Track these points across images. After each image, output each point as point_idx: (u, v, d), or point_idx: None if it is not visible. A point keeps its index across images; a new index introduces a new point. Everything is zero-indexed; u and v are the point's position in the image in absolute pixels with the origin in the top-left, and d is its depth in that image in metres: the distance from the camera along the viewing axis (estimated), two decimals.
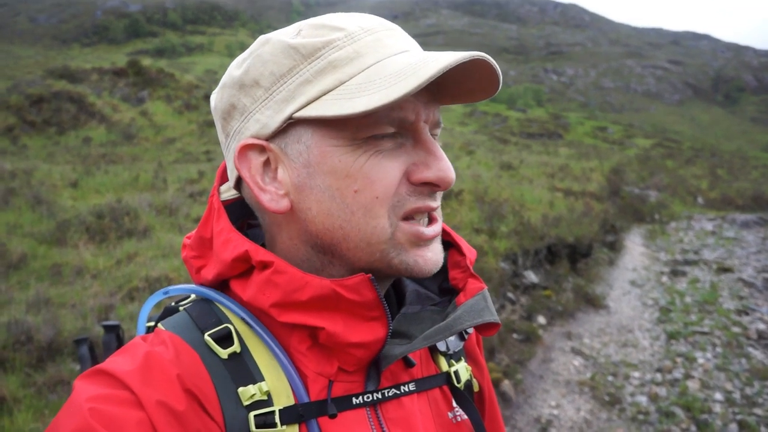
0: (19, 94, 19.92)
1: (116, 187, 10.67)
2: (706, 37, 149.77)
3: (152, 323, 0.85)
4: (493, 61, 0.71)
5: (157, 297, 0.88)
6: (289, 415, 0.72)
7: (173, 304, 0.85)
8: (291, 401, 0.73)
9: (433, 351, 0.91)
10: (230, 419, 0.70)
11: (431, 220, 0.78)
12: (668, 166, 25.33)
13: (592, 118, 50.81)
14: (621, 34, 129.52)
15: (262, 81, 0.73)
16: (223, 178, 0.87)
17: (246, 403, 0.71)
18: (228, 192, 0.86)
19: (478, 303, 0.81)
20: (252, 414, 0.71)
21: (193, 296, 0.85)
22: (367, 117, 0.70)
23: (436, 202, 0.77)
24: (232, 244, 0.77)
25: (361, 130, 0.71)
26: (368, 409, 0.78)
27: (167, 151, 17.11)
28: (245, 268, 0.77)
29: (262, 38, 0.77)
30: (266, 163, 0.75)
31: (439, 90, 0.77)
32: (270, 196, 0.75)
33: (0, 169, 10.85)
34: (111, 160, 15.07)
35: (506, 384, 5.29)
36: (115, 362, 0.71)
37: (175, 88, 23.99)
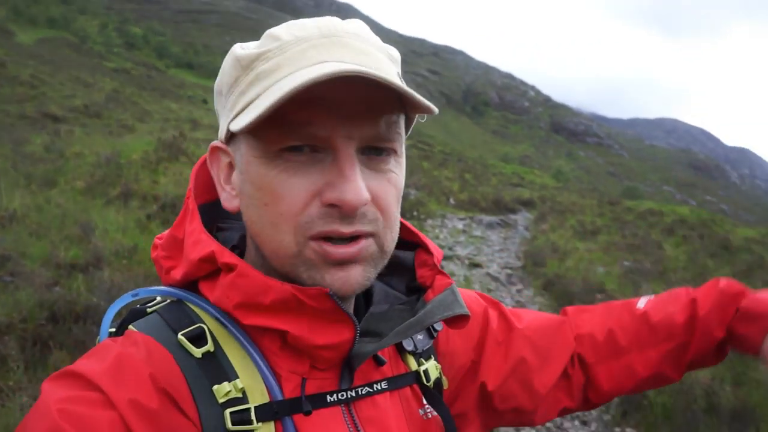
0: None
1: None
2: (461, 53, 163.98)
3: (113, 329, 0.82)
4: (381, 76, 0.66)
5: (125, 299, 0.84)
6: (264, 412, 0.72)
7: (139, 306, 0.83)
8: (266, 399, 0.73)
9: (401, 351, 0.91)
10: (206, 417, 0.70)
11: (355, 239, 0.73)
12: (424, 167, 27.21)
13: None
14: (389, 39, 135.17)
15: (223, 90, 0.79)
16: (198, 179, 0.87)
17: (221, 400, 0.71)
18: None
19: (447, 297, 0.82)
20: (228, 411, 0.70)
21: (158, 299, 0.84)
22: (275, 130, 0.70)
23: (349, 227, 0.72)
24: (200, 244, 0.78)
25: (273, 143, 0.71)
26: (343, 407, 0.79)
27: None
28: (212, 269, 0.78)
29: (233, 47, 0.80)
30: (230, 165, 0.80)
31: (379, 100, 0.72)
32: (226, 194, 0.80)
33: None
34: None
35: None
36: (85, 363, 0.70)
37: None
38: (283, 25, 0.76)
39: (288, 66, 0.70)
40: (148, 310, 0.81)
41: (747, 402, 4.67)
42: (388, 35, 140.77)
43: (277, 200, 0.71)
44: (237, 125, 0.70)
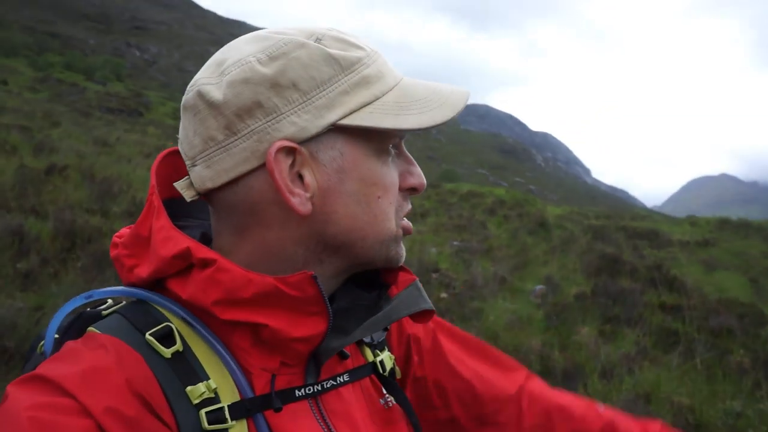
0: None
1: None
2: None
3: (57, 335, 0.77)
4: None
5: (77, 301, 0.78)
6: (237, 410, 0.72)
7: (90, 309, 0.79)
8: (236, 398, 0.73)
9: (359, 343, 0.94)
10: (183, 419, 0.69)
11: None
12: None
13: (172, 99, 50.47)
14: (207, 20, 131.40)
15: (301, 84, 0.73)
16: (158, 175, 0.83)
17: (196, 401, 0.70)
18: (189, 191, 0.79)
19: (411, 293, 0.85)
20: (203, 411, 0.70)
21: (110, 301, 0.81)
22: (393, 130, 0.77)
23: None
24: (172, 241, 0.75)
25: (385, 141, 0.79)
26: (311, 401, 0.80)
27: None
28: (184, 265, 0.75)
29: (294, 40, 0.75)
30: (291, 165, 0.75)
31: None
32: (299, 199, 0.75)
33: None
34: None
35: None
36: (54, 368, 0.66)
37: None
38: (343, 31, 0.80)
39: (389, 76, 0.80)
40: (104, 312, 0.78)
41: (576, 362, 5.24)
42: (206, 16, 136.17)
43: (388, 192, 0.80)
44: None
